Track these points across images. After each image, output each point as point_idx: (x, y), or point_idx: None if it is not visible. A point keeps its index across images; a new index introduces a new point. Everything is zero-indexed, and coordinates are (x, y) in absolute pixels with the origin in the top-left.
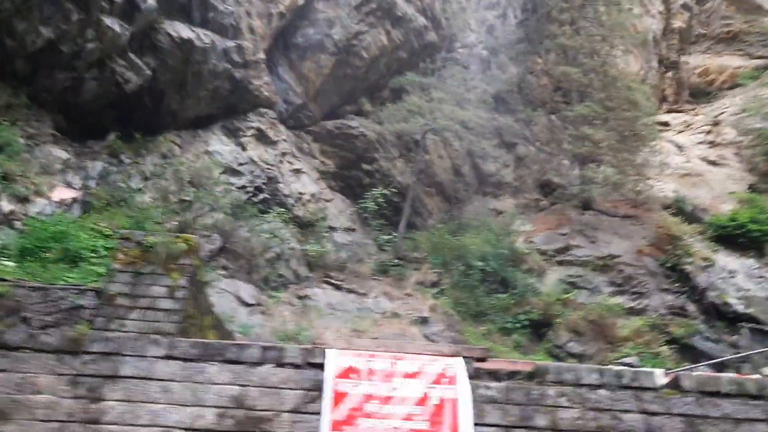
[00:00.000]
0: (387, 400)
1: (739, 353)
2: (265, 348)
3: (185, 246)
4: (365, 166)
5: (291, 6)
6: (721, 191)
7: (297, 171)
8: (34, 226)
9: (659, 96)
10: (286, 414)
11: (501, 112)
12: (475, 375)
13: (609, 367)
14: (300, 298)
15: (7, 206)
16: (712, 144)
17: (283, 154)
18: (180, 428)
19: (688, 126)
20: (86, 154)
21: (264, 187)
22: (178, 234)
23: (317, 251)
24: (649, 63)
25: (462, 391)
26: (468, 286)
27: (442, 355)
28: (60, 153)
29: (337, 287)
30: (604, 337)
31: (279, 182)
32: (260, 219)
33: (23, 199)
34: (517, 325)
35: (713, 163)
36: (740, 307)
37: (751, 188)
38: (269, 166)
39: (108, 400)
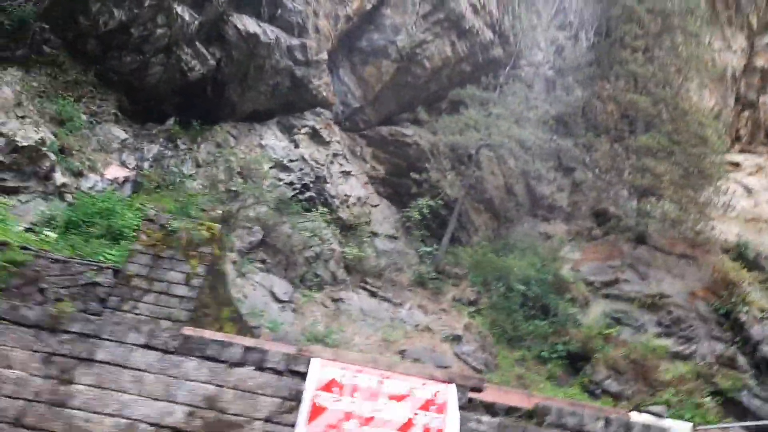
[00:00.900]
0: (368, 420)
1: None
2: (247, 348)
3: (207, 234)
4: (415, 175)
5: (359, 9)
6: None
7: (346, 173)
8: (83, 201)
9: (732, 135)
10: (259, 422)
11: (561, 135)
12: (468, 406)
13: (619, 416)
14: (334, 300)
15: (60, 179)
16: None
17: (335, 155)
18: (146, 422)
19: (760, 169)
20: (144, 136)
21: (311, 185)
22: (202, 222)
23: (357, 255)
24: (725, 99)
25: (450, 422)
26: (506, 308)
27: (434, 380)
28: (119, 132)
29: (373, 294)
30: (644, 379)
31: (327, 182)
32: (303, 217)
33: (77, 174)
34: (554, 354)
35: None
36: None
37: None
38: (319, 166)
39: (78, 384)
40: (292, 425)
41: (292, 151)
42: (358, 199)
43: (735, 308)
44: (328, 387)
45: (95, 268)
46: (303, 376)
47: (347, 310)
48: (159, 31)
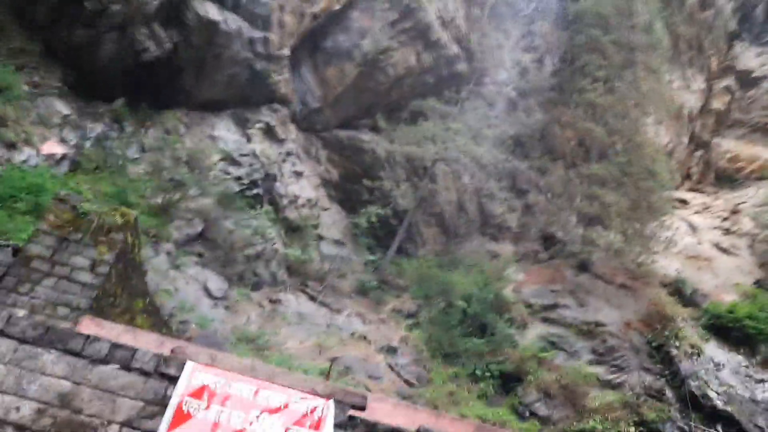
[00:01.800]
0: None
1: None
2: (115, 345)
3: (120, 220)
4: (368, 182)
5: (326, 9)
6: (726, 280)
7: (298, 173)
8: (11, 174)
9: (684, 173)
10: (115, 426)
11: (518, 156)
12: (348, 424)
13: None
14: (272, 301)
15: None
16: (727, 231)
17: (288, 153)
18: None
19: (706, 208)
20: (88, 114)
21: (260, 182)
22: (116, 207)
23: (300, 257)
24: (679, 137)
25: None
26: (445, 323)
27: (314, 394)
28: (61, 107)
29: (312, 298)
30: (573, 405)
31: (277, 180)
32: (248, 214)
33: (10, 145)
34: (488, 373)
35: (724, 250)
36: (720, 403)
37: (758, 283)
38: (270, 163)
39: None
40: None
41: (243, 146)
42: (308, 200)
43: (667, 342)
44: (198, 393)
45: None
46: (173, 379)
47: (284, 313)
48: (115, 7)
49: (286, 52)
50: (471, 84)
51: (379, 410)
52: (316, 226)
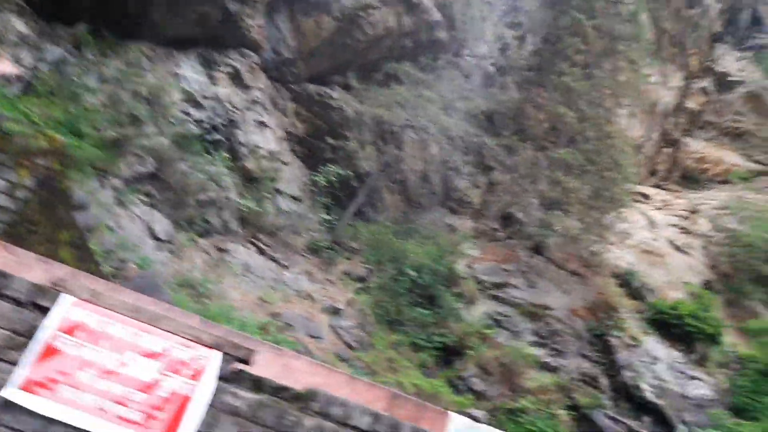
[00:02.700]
0: (108, 374)
1: None
2: None
3: (46, 145)
4: (333, 141)
5: None
6: (676, 278)
7: (262, 123)
8: None
9: (651, 168)
10: None
11: (488, 133)
12: (233, 377)
13: (390, 415)
14: (220, 250)
15: None
16: (684, 230)
17: (254, 102)
18: None
19: (667, 205)
20: (48, 35)
21: (221, 128)
22: (44, 131)
23: (254, 209)
24: (650, 132)
25: (201, 392)
26: (394, 291)
27: (200, 343)
28: (20, 25)
29: (262, 252)
30: (509, 383)
31: (239, 128)
32: (205, 159)
33: None
34: (429, 344)
35: (678, 248)
36: (651, 395)
37: (706, 285)
38: (234, 109)
39: None
40: (15, 363)
41: (208, 88)
42: (270, 153)
43: (609, 332)
44: (71, 330)
45: None
46: (47, 312)
47: (231, 263)
48: None
49: None
50: (449, 54)
51: (295, 368)
52: (274, 180)
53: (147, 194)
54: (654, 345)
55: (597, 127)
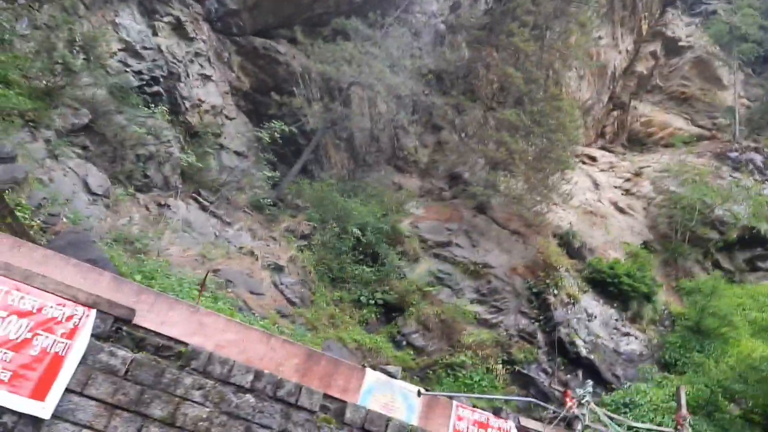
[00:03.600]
0: None
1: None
2: None
3: None
4: (276, 97)
5: None
6: (616, 238)
7: (206, 77)
8: None
9: (598, 130)
10: None
11: (437, 92)
12: (113, 335)
13: (270, 373)
14: (159, 205)
15: None
16: (627, 192)
17: (197, 54)
18: None
19: (612, 167)
20: None
21: (161, 80)
22: None
23: (195, 164)
24: (600, 95)
25: (75, 349)
26: (337, 249)
27: (74, 301)
28: None
29: (204, 208)
30: (449, 339)
31: (180, 81)
32: (145, 112)
33: None
34: (372, 301)
35: (621, 210)
36: (584, 351)
37: (645, 245)
38: (176, 61)
39: None
40: None
41: (148, 38)
42: (213, 107)
43: (547, 289)
44: None
45: None
46: None
47: (171, 219)
48: None
49: None
50: (398, 10)
51: (209, 324)
52: (218, 135)
53: (82, 147)
54: (590, 302)
55: (544, 88)
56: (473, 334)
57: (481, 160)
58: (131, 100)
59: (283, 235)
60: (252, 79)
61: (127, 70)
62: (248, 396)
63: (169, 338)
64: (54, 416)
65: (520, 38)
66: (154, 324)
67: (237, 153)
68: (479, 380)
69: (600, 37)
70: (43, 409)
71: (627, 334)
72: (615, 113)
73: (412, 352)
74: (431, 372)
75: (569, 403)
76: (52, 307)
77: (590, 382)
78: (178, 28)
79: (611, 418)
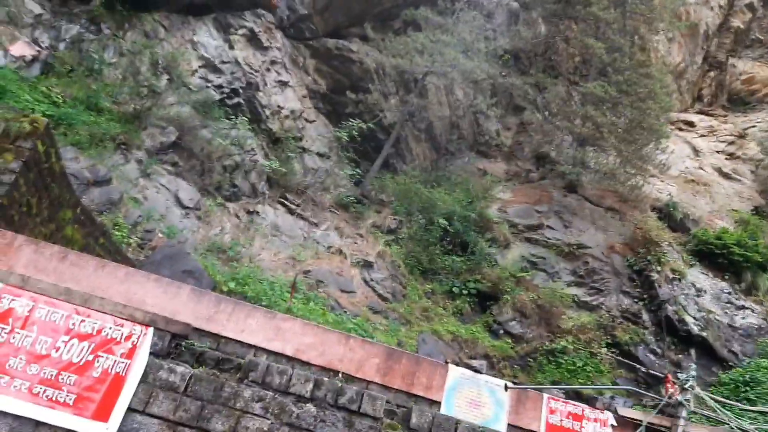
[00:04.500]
0: (39, 358)
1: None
2: None
3: (29, 128)
4: (352, 95)
5: None
6: (723, 206)
7: (283, 83)
8: None
9: (695, 94)
10: None
11: (516, 72)
12: (172, 351)
13: (332, 381)
14: (249, 213)
15: None
16: (731, 156)
17: (273, 62)
18: None
19: (712, 131)
20: (63, 14)
21: (241, 91)
22: (27, 113)
23: (280, 169)
24: (693, 57)
25: (136, 369)
26: (425, 241)
27: (131, 321)
28: (33, 6)
29: (291, 211)
30: (547, 325)
31: (259, 90)
32: (228, 123)
33: None
34: (464, 291)
35: (725, 175)
36: (695, 328)
37: (756, 210)
38: (253, 72)
39: None
40: None
41: (225, 52)
42: (292, 112)
43: (649, 266)
44: (3, 317)
45: None
46: None
47: (260, 225)
48: None
49: None
50: None
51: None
52: (299, 139)
53: (171, 163)
54: (698, 276)
55: (630, 56)
56: (573, 317)
57: (567, 137)
58: (214, 114)
59: (370, 231)
60: (328, 80)
61: (208, 85)
62: (309, 405)
63: (242, 344)
64: None
65: (598, 6)
66: (234, 333)
67: (319, 154)
68: (583, 366)
69: None
70: (107, 430)
71: (742, 308)
72: (711, 74)
73: (510, 341)
74: (532, 360)
75: (671, 390)
76: (110, 327)
77: (693, 366)
78: (252, 39)
79: (722, 405)
